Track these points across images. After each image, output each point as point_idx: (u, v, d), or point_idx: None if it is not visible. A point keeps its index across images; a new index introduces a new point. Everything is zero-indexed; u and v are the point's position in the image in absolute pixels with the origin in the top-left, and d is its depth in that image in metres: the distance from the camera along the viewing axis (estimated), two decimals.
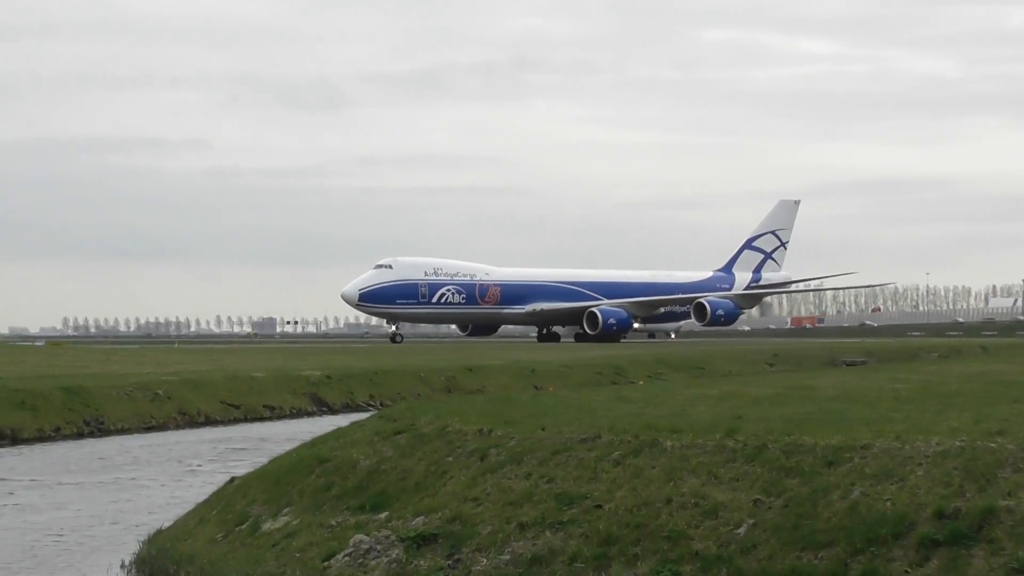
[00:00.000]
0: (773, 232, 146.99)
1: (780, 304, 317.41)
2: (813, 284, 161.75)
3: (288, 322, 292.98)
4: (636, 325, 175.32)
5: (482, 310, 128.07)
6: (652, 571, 17.20)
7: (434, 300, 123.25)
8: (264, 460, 28.86)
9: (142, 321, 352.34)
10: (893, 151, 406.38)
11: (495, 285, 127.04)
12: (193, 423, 52.14)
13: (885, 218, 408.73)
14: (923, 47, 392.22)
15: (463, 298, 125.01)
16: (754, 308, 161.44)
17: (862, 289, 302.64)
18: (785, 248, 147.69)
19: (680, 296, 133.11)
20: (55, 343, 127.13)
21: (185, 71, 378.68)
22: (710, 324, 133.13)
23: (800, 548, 16.71)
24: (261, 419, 54.89)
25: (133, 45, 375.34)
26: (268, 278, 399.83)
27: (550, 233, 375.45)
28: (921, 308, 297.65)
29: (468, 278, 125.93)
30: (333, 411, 57.83)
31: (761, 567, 16.65)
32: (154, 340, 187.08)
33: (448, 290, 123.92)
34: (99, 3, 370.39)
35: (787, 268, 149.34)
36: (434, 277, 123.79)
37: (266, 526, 22.19)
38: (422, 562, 18.82)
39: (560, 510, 18.89)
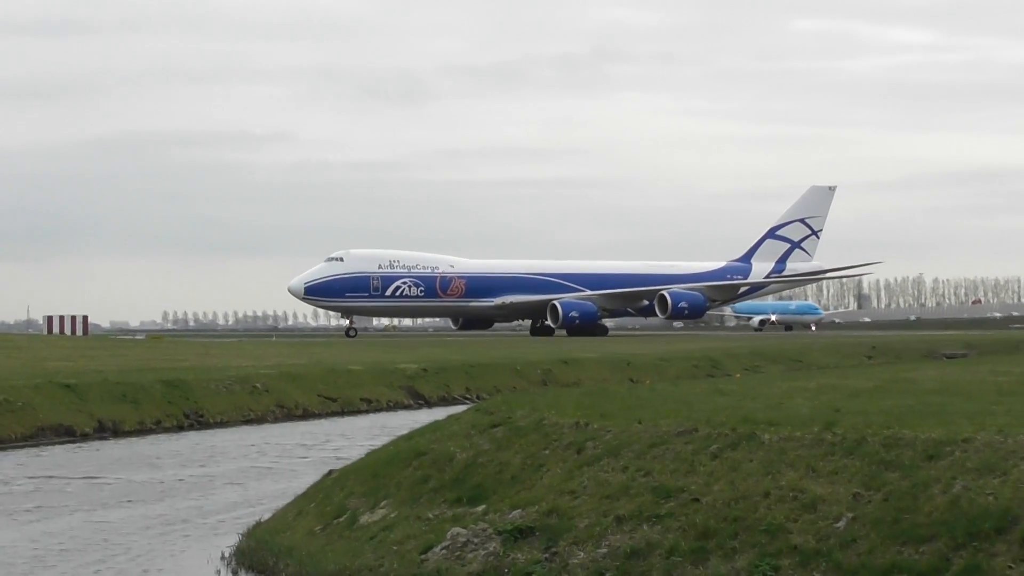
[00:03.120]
0: (802, 220, 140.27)
1: (879, 298, 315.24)
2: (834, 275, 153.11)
3: None
4: (773, 318, 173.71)
5: (444, 303, 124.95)
6: (750, 565, 17.12)
7: (388, 293, 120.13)
8: (360, 453, 29.00)
9: (239, 315, 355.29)
10: (989, 141, 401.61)
11: (459, 277, 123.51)
12: (291, 416, 52.50)
13: (982, 209, 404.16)
14: (1020, 35, 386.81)
15: (421, 291, 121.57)
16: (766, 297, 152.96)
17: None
18: (817, 237, 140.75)
19: (643, 289, 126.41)
20: (155, 337, 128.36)
21: (267, 64, 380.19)
22: (672, 317, 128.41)
23: (901, 542, 16.57)
24: (358, 412, 55.16)
25: (214, 39, 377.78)
26: None
27: (638, 225, 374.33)
28: (1023, 300, 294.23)
29: (428, 271, 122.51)
30: (429, 404, 58.04)
31: (861, 561, 16.52)
32: (252, 333, 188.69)
33: (404, 283, 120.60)
34: None
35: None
36: (389, 270, 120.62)
37: (364, 519, 22.29)
38: (519, 555, 18.83)
39: (657, 503, 18.84)
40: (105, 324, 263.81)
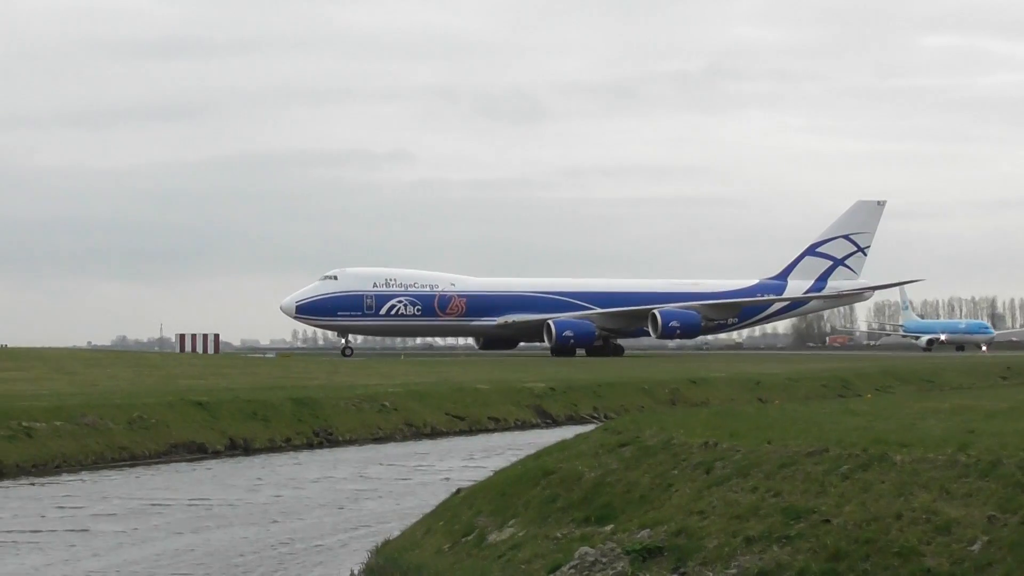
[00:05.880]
0: (847, 236, 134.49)
1: (1013, 318, 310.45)
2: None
3: None
4: (943, 338, 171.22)
5: (443, 323, 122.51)
6: None
7: (382, 312, 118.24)
8: (488, 472, 29.05)
9: None
10: None
11: (459, 296, 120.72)
12: (419, 434, 52.77)
13: None
14: None
15: (418, 310, 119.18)
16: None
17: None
18: (864, 254, 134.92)
19: (643, 308, 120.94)
20: (285, 355, 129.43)
21: (383, 84, 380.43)
22: (663, 336, 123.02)
23: None
24: (486, 431, 55.32)
25: (332, 59, 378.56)
26: None
27: (762, 244, 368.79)
28: None
29: (427, 289, 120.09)
30: (557, 423, 58.04)
31: None
32: (380, 352, 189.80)
33: (400, 301, 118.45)
34: (300, 19, 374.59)
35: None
36: (384, 288, 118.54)
37: (492, 537, 22.31)
38: (648, 575, 18.75)
39: (787, 524, 18.66)
40: (236, 342, 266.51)
